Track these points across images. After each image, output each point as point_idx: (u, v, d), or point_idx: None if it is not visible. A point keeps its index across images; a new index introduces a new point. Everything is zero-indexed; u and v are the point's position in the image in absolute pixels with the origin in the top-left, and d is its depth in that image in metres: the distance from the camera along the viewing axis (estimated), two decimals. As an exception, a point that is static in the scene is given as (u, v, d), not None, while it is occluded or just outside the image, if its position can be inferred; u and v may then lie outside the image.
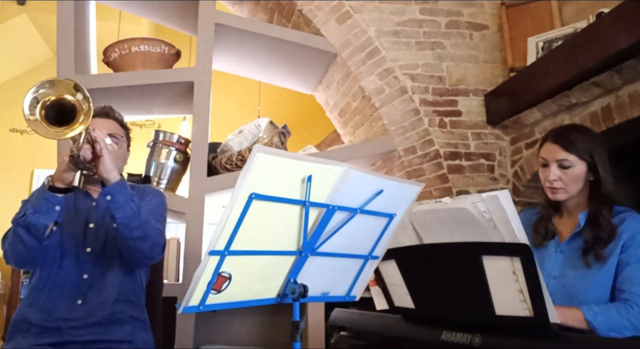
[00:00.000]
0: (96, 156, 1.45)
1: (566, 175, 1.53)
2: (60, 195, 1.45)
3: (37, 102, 1.32)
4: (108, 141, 1.47)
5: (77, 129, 1.34)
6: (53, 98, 1.34)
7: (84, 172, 1.46)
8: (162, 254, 1.63)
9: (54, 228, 1.49)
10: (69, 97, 1.35)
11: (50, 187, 1.44)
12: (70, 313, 1.53)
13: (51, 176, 1.47)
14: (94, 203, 1.67)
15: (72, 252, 1.59)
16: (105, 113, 1.74)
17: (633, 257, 1.41)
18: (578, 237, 1.52)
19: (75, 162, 1.41)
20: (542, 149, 1.60)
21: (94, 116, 1.69)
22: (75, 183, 1.45)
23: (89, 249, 1.60)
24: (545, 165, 1.58)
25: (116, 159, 1.55)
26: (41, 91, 1.33)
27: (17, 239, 1.45)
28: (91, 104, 1.36)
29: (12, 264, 1.53)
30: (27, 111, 1.30)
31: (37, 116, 1.31)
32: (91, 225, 1.63)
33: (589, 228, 1.48)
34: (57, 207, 1.45)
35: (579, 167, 1.53)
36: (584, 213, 1.53)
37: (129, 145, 1.81)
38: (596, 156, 1.52)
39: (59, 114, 1.35)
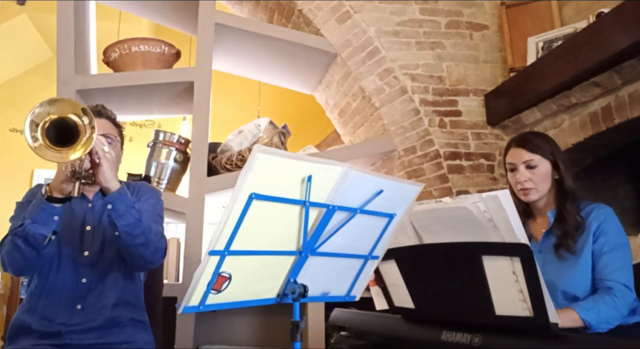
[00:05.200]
0: (95, 164, 1.42)
1: (535, 175, 1.62)
2: (58, 205, 1.42)
3: (37, 125, 1.27)
4: (106, 148, 1.44)
5: (79, 151, 1.30)
6: (55, 117, 1.29)
7: (83, 181, 1.43)
8: (163, 257, 1.61)
9: (53, 237, 1.46)
10: (73, 117, 1.30)
11: (48, 198, 1.41)
12: (70, 318, 1.51)
13: (48, 184, 1.43)
14: (89, 205, 1.63)
15: (70, 256, 1.56)
16: (97, 112, 1.67)
17: (606, 245, 1.50)
18: (550, 235, 1.60)
19: (76, 175, 1.39)
20: (508, 155, 1.69)
21: None
22: (75, 194, 1.41)
23: (86, 253, 1.57)
24: (513, 169, 1.66)
25: (115, 165, 1.51)
26: (38, 110, 1.28)
27: (15, 249, 1.43)
28: (95, 129, 1.31)
29: (10, 272, 1.50)
30: (29, 138, 1.26)
31: (40, 139, 1.27)
32: (88, 228, 1.60)
33: (557, 224, 1.58)
34: (56, 217, 1.42)
35: (544, 166, 1.62)
36: (552, 211, 1.62)
37: (122, 143, 1.76)
38: (557, 154, 1.64)
39: (60, 133, 1.30)
